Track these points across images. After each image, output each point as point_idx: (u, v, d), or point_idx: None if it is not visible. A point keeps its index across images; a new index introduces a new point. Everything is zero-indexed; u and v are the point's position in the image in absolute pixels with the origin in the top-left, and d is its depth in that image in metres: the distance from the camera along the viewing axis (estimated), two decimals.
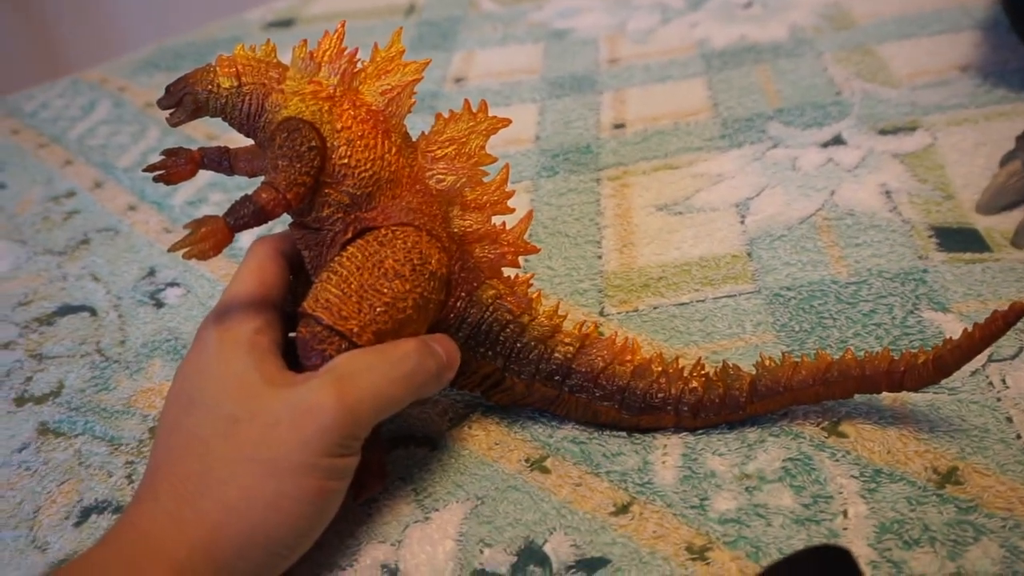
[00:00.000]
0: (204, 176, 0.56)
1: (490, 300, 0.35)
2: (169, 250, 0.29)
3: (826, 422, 0.34)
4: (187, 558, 0.28)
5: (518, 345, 0.35)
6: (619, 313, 0.42)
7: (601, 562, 0.30)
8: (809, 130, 0.54)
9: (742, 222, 0.47)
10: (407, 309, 0.32)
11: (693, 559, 0.30)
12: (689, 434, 0.35)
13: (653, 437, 0.35)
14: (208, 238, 0.29)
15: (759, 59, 0.63)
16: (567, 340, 0.35)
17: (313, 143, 0.31)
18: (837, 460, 0.33)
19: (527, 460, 0.35)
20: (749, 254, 0.44)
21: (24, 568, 0.34)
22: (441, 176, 0.34)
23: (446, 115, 0.34)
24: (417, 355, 0.32)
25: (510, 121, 0.35)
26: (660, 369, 0.35)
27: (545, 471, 0.34)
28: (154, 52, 0.81)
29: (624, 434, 0.35)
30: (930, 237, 0.43)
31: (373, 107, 0.33)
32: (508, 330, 0.35)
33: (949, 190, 0.47)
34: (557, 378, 0.35)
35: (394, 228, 0.33)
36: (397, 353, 0.31)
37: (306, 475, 0.29)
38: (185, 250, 0.29)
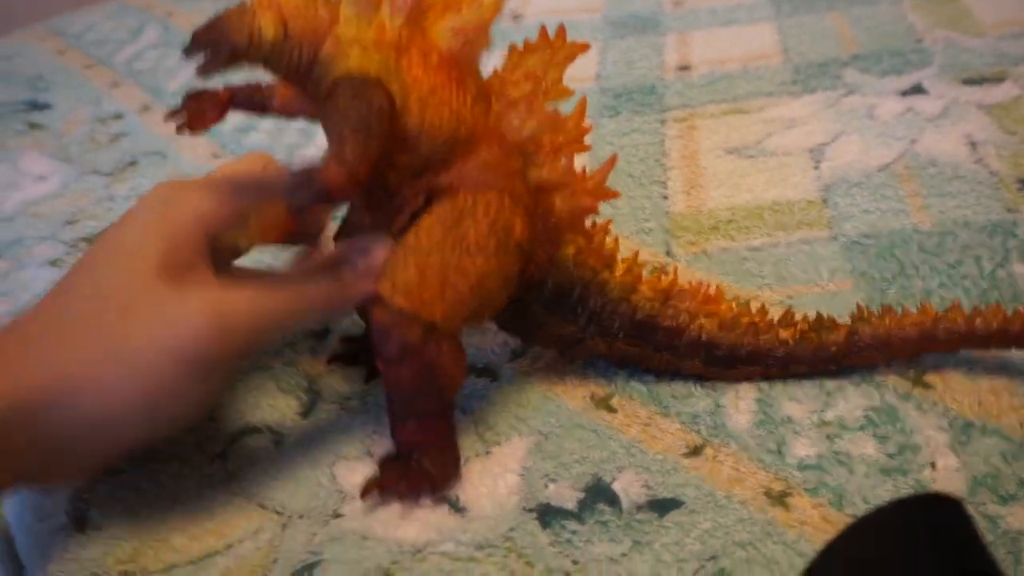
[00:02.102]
0: None
1: (571, 259, 0.32)
2: (222, 239, 0.26)
3: (911, 372, 0.32)
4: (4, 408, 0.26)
5: (600, 304, 0.32)
6: (687, 254, 0.40)
7: (674, 503, 0.29)
8: (887, 78, 0.51)
9: (816, 168, 0.44)
10: (492, 288, 0.29)
11: (772, 504, 0.28)
12: (761, 376, 0.33)
13: None
14: (269, 231, 0.26)
15: (832, 5, 0.60)
16: (649, 294, 0.32)
17: (383, 105, 0.27)
18: (924, 411, 0.31)
19: (592, 397, 0.33)
20: (824, 200, 0.42)
21: None
22: (519, 123, 0.30)
23: (520, 46, 0.30)
24: (309, 289, 0.30)
25: (588, 45, 0.31)
26: (747, 321, 0.32)
27: (611, 410, 0.33)
28: None
29: (692, 375, 0.33)
30: (1019, 190, 0.41)
31: (445, 51, 0.28)
32: (590, 289, 0.32)
33: None
34: (640, 335, 0.32)
35: (473, 193, 0.29)
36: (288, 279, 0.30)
37: (151, 375, 0.27)
38: (243, 240, 0.26)
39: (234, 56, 0.27)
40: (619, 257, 0.33)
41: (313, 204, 0.26)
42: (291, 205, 0.26)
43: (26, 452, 0.27)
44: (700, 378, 0.33)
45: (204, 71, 0.28)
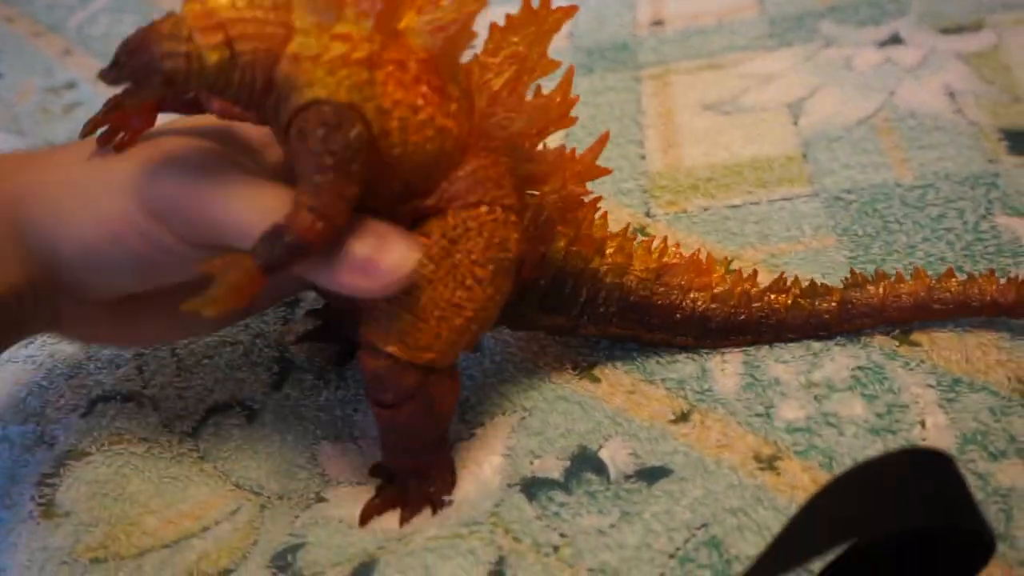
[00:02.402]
0: None
1: (563, 252, 0.29)
2: (184, 308, 0.22)
3: (896, 331, 0.32)
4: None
5: (593, 292, 0.30)
6: (667, 214, 0.39)
7: (662, 471, 0.28)
8: (865, 28, 0.50)
9: (795, 123, 0.43)
10: (492, 315, 0.27)
11: (762, 468, 0.28)
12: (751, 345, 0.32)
13: None
14: (237, 291, 0.22)
15: None
16: (642, 273, 0.30)
17: (359, 136, 0.23)
18: (911, 369, 0.30)
19: (575, 368, 0.32)
20: (804, 156, 0.41)
21: (33, 464, 0.32)
22: (506, 119, 0.26)
23: (501, 23, 0.27)
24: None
25: (577, 8, 0.28)
26: (740, 290, 0.31)
27: (595, 380, 0.32)
28: None
29: None
30: (1000, 140, 0.40)
31: (423, 54, 0.24)
32: (582, 279, 0.30)
33: (1017, 91, 0.43)
34: (634, 317, 0.31)
35: (464, 211, 0.26)
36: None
37: (126, 220, 0.25)
38: (208, 309, 0.22)
39: (168, 84, 0.22)
40: (608, 233, 0.31)
41: (287, 262, 0.23)
42: (263, 264, 0.22)
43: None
44: (689, 349, 0.32)
45: (132, 101, 0.24)
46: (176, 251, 0.25)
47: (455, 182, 0.26)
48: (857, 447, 0.28)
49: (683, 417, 0.30)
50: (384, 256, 0.24)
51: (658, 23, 0.54)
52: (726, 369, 0.31)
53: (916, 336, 0.31)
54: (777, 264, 0.35)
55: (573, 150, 0.29)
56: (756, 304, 0.31)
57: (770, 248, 0.36)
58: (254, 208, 0.24)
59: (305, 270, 0.24)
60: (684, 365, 0.32)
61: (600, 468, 0.28)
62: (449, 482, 0.29)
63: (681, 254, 0.32)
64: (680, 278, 0.31)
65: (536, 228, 0.28)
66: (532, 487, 0.28)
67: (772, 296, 0.31)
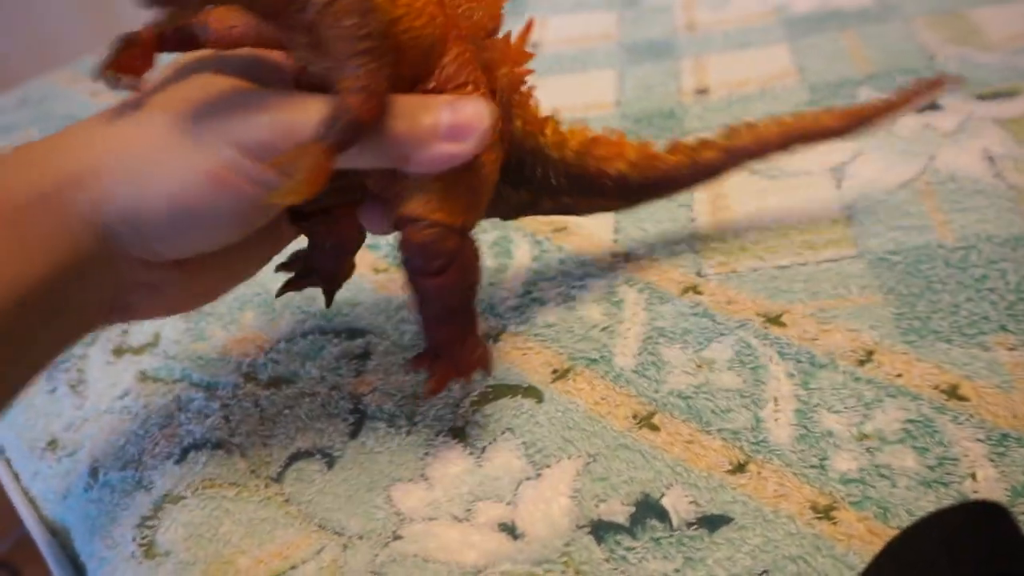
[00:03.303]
0: None
1: (520, 132, 0.33)
2: (271, 200, 0.24)
3: (944, 384, 0.33)
4: (72, 172, 0.26)
5: (544, 167, 0.34)
6: (718, 274, 0.41)
7: (723, 519, 0.29)
8: None
9: (838, 187, 0.45)
10: (495, 179, 0.31)
11: (819, 518, 0.29)
12: (800, 389, 0.34)
13: (761, 391, 0.34)
14: (312, 176, 0.23)
15: (844, 25, 0.61)
16: (576, 147, 0.35)
17: (382, 20, 0.25)
18: (960, 423, 0.31)
19: (634, 416, 0.34)
20: (849, 219, 0.43)
21: (132, 508, 0.34)
22: (469, 11, 0.29)
23: None
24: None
25: None
26: (646, 154, 0.37)
27: (654, 428, 0.33)
28: None
29: (732, 389, 0.34)
30: None
31: None
32: (536, 156, 0.34)
33: None
34: (576, 187, 0.35)
35: (456, 92, 0.28)
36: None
37: (212, 155, 0.25)
38: (290, 198, 0.23)
39: None
40: (543, 116, 0.35)
41: (348, 140, 0.24)
42: (331, 144, 0.24)
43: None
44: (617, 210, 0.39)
45: (172, 22, 0.26)
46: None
47: (445, 66, 0.28)
48: (910, 499, 0.29)
49: (740, 467, 0.31)
50: (465, 116, 0.26)
51: (703, 91, 0.57)
52: (780, 419, 0.33)
53: (964, 390, 0.33)
54: (827, 318, 0.37)
55: (509, 32, 0.31)
56: (662, 165, 0.37)
57: (818, 303, 0.38)
58: (403, 114, 0.26)
59: (386, 157, 0.26)
60: (738, 414, 0.33)
61: (663, 515, 0.30)
62: (479, 358, 0.32)
63: (594, 130, 0.36)
64: (602, 150, 0.36)
65: (499, 107, 0.31)
66: (600, 530, 0.30)
67: (671, 157, 0.37)
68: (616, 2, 0.71)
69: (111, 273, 0.27)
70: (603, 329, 0.38)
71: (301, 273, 0.37)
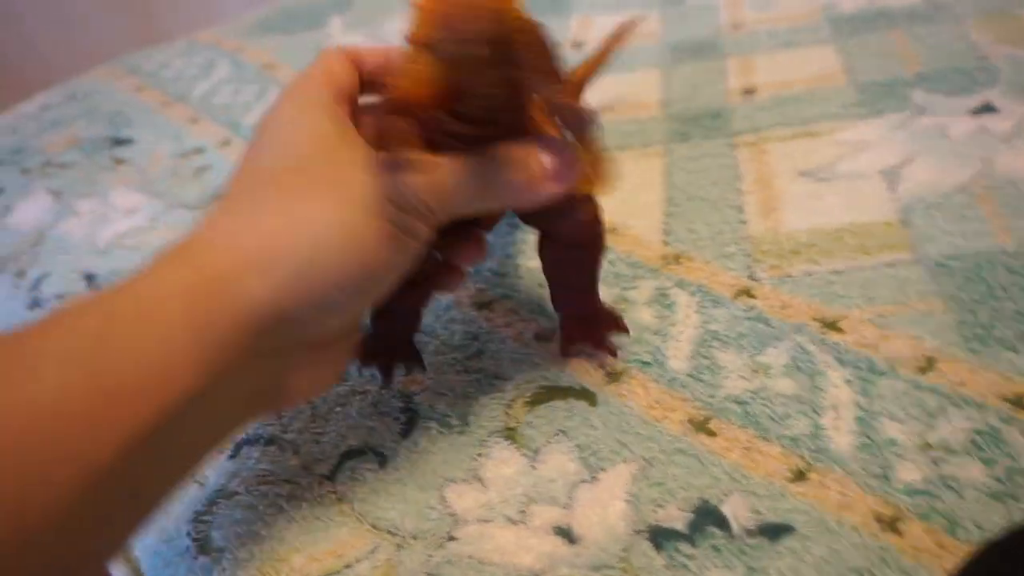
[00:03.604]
0: None
1: None
2: (588, 189, 0.27)
3: (1010, 394, 0.32)
4: (240, 265, 0.25)
5: None
6: (771, 278, 0.40)
7: (785, 528, 0.29)
8: (955, 97, 0.50)
9: (892, 190, 0.44)
10: None
11: (884, 529, 0.28)
12: (860, 396, 0.33)
13: (820, 397, 0.33)
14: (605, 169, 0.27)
15: (892, 24, 0.60)
16: None
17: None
18: None
19: (690, 421, 0.33)
20: (903, 222, 0.42)
21: (187, 502, 0.34)
22: None
23: None
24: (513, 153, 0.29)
25: None
26: None
27: (711, 434, 0.33)
28: (265, 15, 0.81)
29: (789, 395, 0.34)
30: None
31: None
32: None
33: None
34: None
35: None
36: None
37: (377, 215, 0.27)
38: (608, 183, 0.28)
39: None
40: None
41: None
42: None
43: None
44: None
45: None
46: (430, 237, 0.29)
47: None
48: (979, 511, 0.28)
49: (800, 476, 0.31)
50: (564, 159, 0.29)
51: (750, 91, 0.56)
52: (840, 427, 0.32)
53: None
54: (885, 324, 0.36)
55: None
56: None
57: (877, 308, 0.37)
58: (517, 165, 0.28)
59: (503, 202, 0.30)
60: (796, 421, 0.33)
61: (723, 522, 0.29)
62: (621, 318, 0.37)
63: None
64: None
65: None
66: (658, 536, 0.29)
67: None
68: (657, 1, 0.70)
69: (272, 362, 0.28)
70: (655, 332, 0.38)
71: (368, 357, 0.37)
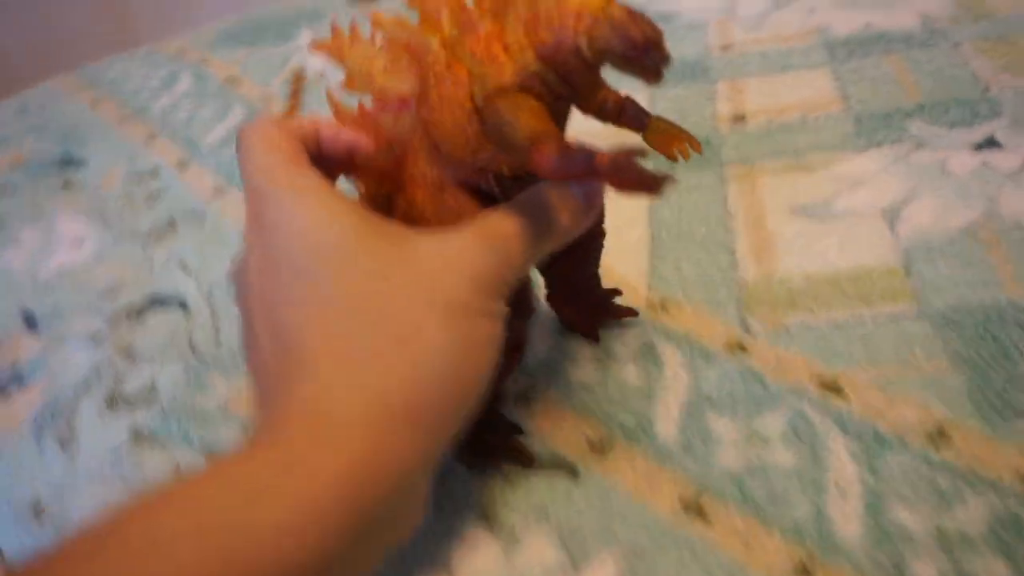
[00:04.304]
0: None
1: None
2: (654, 192, 0.23)
3: None
4: (383, 419, 0.22)
5: None
6: (766, 330, 0.37)
7: None
8: (957, 129, 0.48)
9: (892, 231, 0.41)
10: None
11: None
12: (867, 473, 0.30)
13: (822, 474, 0.30)
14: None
15: (889, 49, 0.57)
16: None
17: None
18: None
19: (681, 501, 0.30)
20: (906, 268, 0.39)
21: None
22: None
23: None
24: (547, 196, 0.28)
25: None
26: None
27: (704, 517, 0.30)
28: (234, 25, 0.77)
29: (788, 468, 0.30)
30: None
31: None
32: None
33: None
34: None
35: None
36: (525, 197, 0.28)
37: (481, 315, 0.25)
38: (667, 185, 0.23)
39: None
40: None
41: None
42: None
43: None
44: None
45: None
46: None
47: None
48: None
49: (805, 571, 0.27)
50: (591, 194, 0.29)
51: (740, 118, 0.53)
52: (846, 511, 0.29)
53: None
54: (890, 387, 0.33)
55: None
56: None
57: (879, 370, 0.34)
58: (561, 206, 0.28)
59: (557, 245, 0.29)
60: (797, 502, 0.29)
61: None
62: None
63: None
64: None
65: None
66: None
67: None
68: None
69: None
70: (642, 393, 0.35)
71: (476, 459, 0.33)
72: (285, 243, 0.25)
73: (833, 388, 0.34)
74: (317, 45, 0.29)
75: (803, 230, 0.43)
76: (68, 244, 0.50)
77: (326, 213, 0.25)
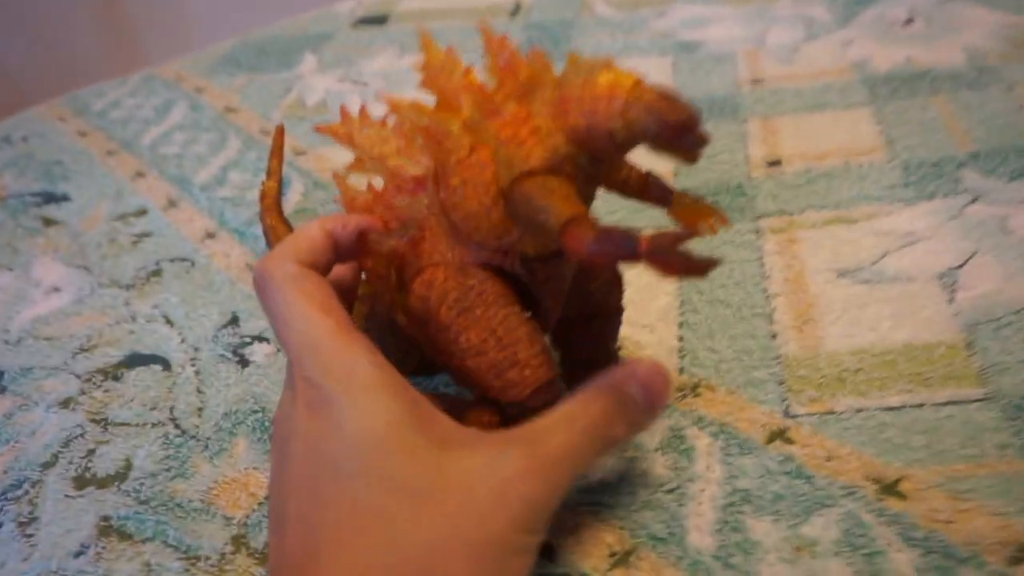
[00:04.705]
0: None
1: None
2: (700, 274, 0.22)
3: None
4: None
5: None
6: (810, 415, 0.34)
7: None
8: (1016, 182, 0.44)
9: (951, 300, 0.38)
10: None
11: None
12: None
13: None
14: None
15: (935, 88, 0.53)
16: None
17: None
18: None
19: None
20: (969, 345, 0.35)
21: None
22: None
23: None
24: (604, 403, 0.26)
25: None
26: None
27: None
28: (235, 47, 0.74)
29: None
30: None
31: None
32: None
33: None
34: None
35: None
36: (581, 404, 0.26)
37: (515, 554, 0.24)
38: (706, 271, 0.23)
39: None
40: None
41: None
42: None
43: None
44: None
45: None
46: None
47: None
48: None
49: None
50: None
51: (775, 163, 0.49)
52: None
53: None
54: (959, 491, 0.29)
55: None
56: None
57: (946, 469, 0.30)
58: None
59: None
60: None
61: None
62: None
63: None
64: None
65: None
66: None
67: None
68: (670, 47, 0.64)
69: None
70: (671, 491, 0.31)
71: None
72: (334, 440, 0.24)
73: (891, 490, 0.30)
74: (325, 128, 0.30)
75: (850, 295, 0.39)
76: (43, 293, 0.47)
77: (377, 418, 0.24)
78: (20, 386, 0.41)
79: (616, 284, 0.33)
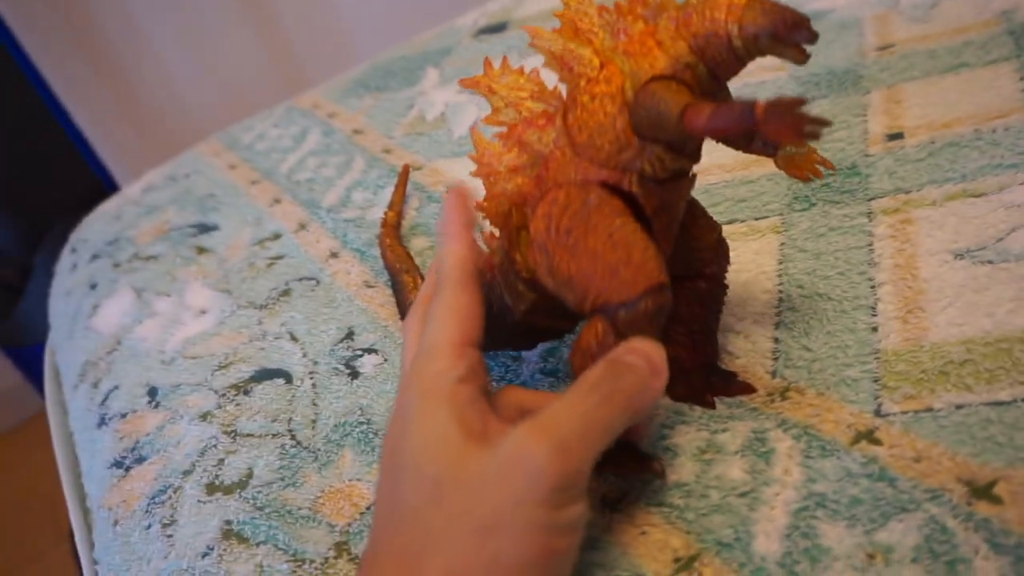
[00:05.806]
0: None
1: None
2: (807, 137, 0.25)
3: None
4: None
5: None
6: (903, 413, 0.32)
7: None
8: None
9: None
10: None
11: None
12: None
13: None
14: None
15: None
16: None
17: None
18: None
19: (676, 560, 0.27)
20: None
21: None
22: None
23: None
24: (610, 375, 0.29)
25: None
26: None
27: None
28: (365, 71, 0.80)
29: None
30: None
31: None
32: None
33: None
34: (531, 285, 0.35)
35: None
36: (589, 381, 0.29)
37: (525, 533, 0.26)
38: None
39: None
40: None
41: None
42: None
43: None
44: None
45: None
46: None
47: None
48: None
49: None
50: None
51: (896, 136, 0.47)
52: None
53: None
54: None
55: None
56: None
57: None
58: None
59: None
60: None
61: None
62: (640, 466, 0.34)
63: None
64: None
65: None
66: None
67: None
68: None
69: None
70: (743, 494, 0.31)
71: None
72: (396, 440, 0.29)
73: (984, 493, 0.29)
74: (467, 81, 0.34)
75: (967, 279, 0.37)
76: (193, 315, 0.54)
77: (430, 420, 0.29)
78: (170, 401, 0.48)
79: (722, 252, 0.35)
